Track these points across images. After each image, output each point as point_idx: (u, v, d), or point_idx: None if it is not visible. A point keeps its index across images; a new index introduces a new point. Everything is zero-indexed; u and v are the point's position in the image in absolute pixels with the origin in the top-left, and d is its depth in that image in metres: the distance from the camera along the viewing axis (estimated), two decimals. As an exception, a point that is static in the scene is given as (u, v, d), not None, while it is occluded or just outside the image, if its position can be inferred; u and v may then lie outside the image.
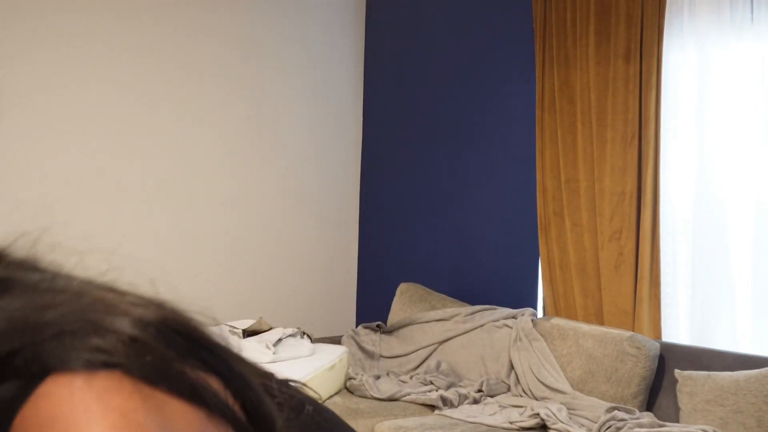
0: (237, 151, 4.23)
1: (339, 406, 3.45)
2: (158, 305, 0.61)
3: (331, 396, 3.61)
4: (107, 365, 0.51)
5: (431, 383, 3.71)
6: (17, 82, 3.52)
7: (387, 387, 3.67)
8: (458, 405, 3.50)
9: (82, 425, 0.49)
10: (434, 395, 3.51)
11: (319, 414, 0.71)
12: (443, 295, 4.24)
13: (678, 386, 3.22)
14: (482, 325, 3.90)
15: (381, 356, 4.07)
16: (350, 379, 3.75)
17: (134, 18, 3.84)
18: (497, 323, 3.85)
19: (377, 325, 4.21)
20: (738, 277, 3.42)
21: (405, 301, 4.26)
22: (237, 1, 4.22)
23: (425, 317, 4.07)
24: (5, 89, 3.49)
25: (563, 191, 3.98)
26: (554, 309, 4.01)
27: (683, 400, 3.17)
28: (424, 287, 4.31)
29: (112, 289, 0.61)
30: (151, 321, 0.57)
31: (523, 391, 3.60)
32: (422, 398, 3.53)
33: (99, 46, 3.73)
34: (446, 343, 3.96)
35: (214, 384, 0.58)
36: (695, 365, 3.27)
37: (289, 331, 3.75)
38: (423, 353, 3.98)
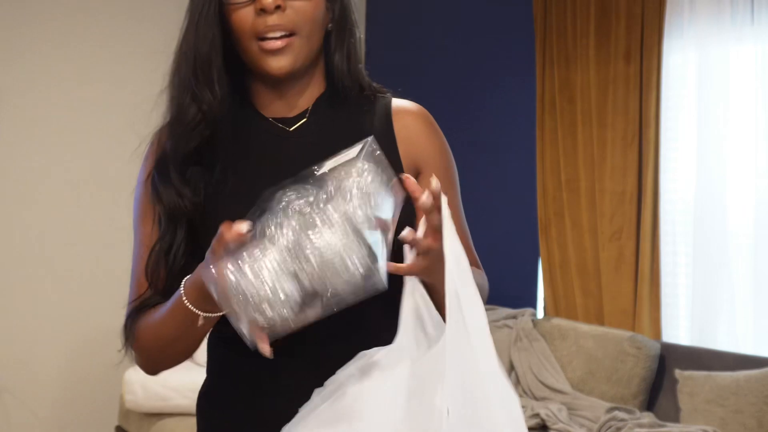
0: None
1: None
2: None
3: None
4: None
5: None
6: (18, 84, 3.52)
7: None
8: (458, 405, 3.49)
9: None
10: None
11: None
12: (443, 295, 4.23)
13: (678, 386, 3.22)
14: (482, 325, 3.89)
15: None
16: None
17: (131, 21, 3.84)
18: (497, 323, 3.84)
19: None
20: (738, 277, 3.41)
21: (405, 301, 4.26)
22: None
23: (425, 317, 4.06)
24: (7, 90, 3.49)
25: (563, 191, 3.98)
26: (554, 309, 4.01)
27: (683, 401, 3.17)
28: (424, 287, 4.30)
29: None
30: None
31: (524, 391, 3.60)
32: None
33: (97, 48, 3.73)
34: (446, 343, 3.95)
35: None
36: (695, 365, 3.26)
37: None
38: (423, 353, 3.98)
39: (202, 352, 3.81)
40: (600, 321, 3.83)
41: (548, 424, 3.19)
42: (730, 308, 3.42)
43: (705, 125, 3.46)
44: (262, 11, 1.02)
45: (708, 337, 3.46)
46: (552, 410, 3.23)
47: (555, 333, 3.69)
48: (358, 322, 1.02)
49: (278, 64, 1.05)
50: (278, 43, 1.03)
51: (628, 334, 3.42)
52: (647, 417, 3.18)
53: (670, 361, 3.38)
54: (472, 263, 1.08)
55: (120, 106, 3.81)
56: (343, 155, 0.94)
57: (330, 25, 1.10)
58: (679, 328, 3.65)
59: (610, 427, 3.08)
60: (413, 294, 0.95)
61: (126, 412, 3.52)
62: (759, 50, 3.34)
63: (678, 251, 3.63)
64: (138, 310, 1.10)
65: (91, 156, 3.71)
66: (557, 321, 3.76)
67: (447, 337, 0.88)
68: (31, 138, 3.55)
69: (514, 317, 3.86)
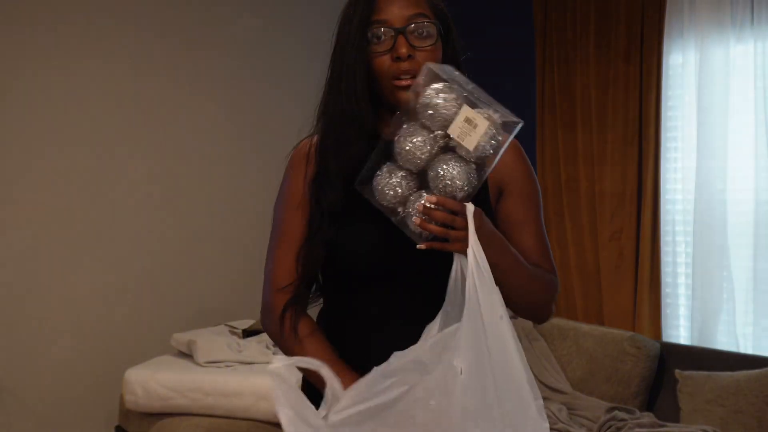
0: (238, 153, 4.23)
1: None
2: None
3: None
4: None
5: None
6: (21, 88, 3.52)
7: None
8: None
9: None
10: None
11: None
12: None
13: (678, 386, 3.22)
14: (482, 325, 3.89)
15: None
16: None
17: (130, 26, 3.84)
18: (497, 323, 3.85)
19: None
20: (738, 277, 3.42)
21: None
22: (229, 11, 4.22)
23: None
24: (9, 94, 3.49)
25: (563, 191, 3.98)
26: (554, 309, 4.01)
27: (683, 400, 3.17)
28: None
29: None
30: None
31: (523, 391, 3.60)
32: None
33: (96, 54, 3.73)
34: (446, 343, 3.95)
35: None
36: (695, 365, 3.26)
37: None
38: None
39: (202, 355, 3.72)
40: (600, 321, 3.84)
41: (548, 424, 3.19)
42: (730, 308, 3.42)
43: (705, 125, 3.46)
44: (398, 58, 1.33)
45: (708, 337, 3.46)
46: (552, 410, 3.23)
47: (555, 333, 3.69)
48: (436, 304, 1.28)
49: (406, 97, 1.30)
50: (407, 82, 1.32)
51: (628, 334, 3.42)
52: (647, 417, 3.18)
53: (670, 361, 3.38)
54: (549, 269, 1.48)
55: (118, 107, 3.81)
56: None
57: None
58: (679, 328, 3.65)
59: (610, 427, 3.08)
60: (456, 269, 1.24)
61: (126, 412, 3.52)
62: (759, 50, 3.34)
63: (678, 251, 3.63)
64: (294, 302, 1.39)
65: (92, 154, 3.71)
66: (557, 321, 3.76)
67: (464, 318, 1.19)
68: (33, 138, 3.56)
69: (515, 317, 3.86)
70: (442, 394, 1.17)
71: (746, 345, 3.40)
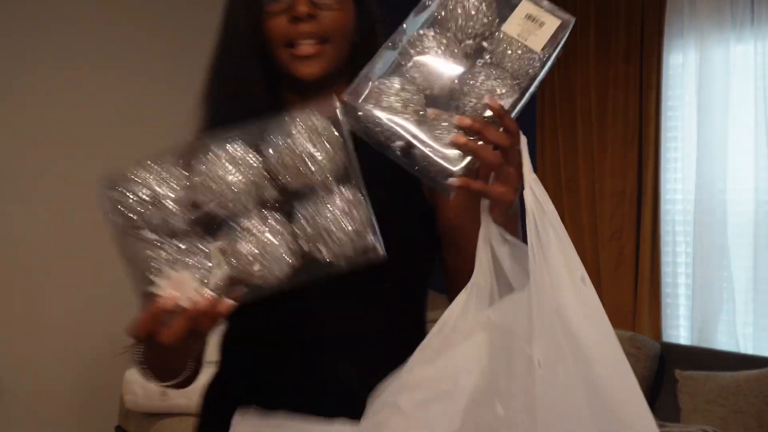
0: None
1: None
2: None
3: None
4: None
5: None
6: (20, 88, 3.52)
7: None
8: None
9: None
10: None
11: None
12: (443, 296, 4.23)
13: (678, 386, 3.22)
14: (482, 325, 3.89)
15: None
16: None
17: (129, 27, 3.84)
18: (497, 323, 3.84)
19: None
20: (738, 278, 3.41)
21: (405, 301, 4.25)
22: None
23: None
24: (8, 94, 3.50)
25: (563, 191, 3.98)
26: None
27: (683, 400, 3.17)
28: (424, 287, 4.30)
29: None
30: None
31: (524, 391, 3.59)
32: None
33: (96, 55, 3.73)
34: (446, 343, 3.95)
35: None
36: (695, 365, 3.26)
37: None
38: (423, 353, 3.97)
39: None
40: (600, 321, 3.83)
41: None
42: (730, 308, 3.42)
43: (705, 125, 3.46)
44: (296, 19, 1.05)
45: (708, 337, 3.46)
46: (552, 410, 3.22)
47: (555, 333, 3.68)
48: (374, 325, 1.12)
49: (308, 69, 1.08)
50: (309, 50, 1.07)
51: (628, 334, 3.42)
52: (647, 417, 3.17)
53: (670, 361, 3.37)
54: None
55: (119, 108, 3.81)
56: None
57: (357, 37, 1.12)
58: (679, 328, 3.65)
59: (610, 427, 3.07)
60: (487, 237, 0.95)
61: (126, 412, 3.52)
62: (759, 50, 3.34)
63: (678, 251, 3.63)
64: None
65: (92, 153, 3.71)
66: (557, 321, 3.76)
67: (530, 287, 0.85)
68: (35, 138, 3.56)
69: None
70: (509, 394, 0.87)
71: (746, 345, 3.39)
